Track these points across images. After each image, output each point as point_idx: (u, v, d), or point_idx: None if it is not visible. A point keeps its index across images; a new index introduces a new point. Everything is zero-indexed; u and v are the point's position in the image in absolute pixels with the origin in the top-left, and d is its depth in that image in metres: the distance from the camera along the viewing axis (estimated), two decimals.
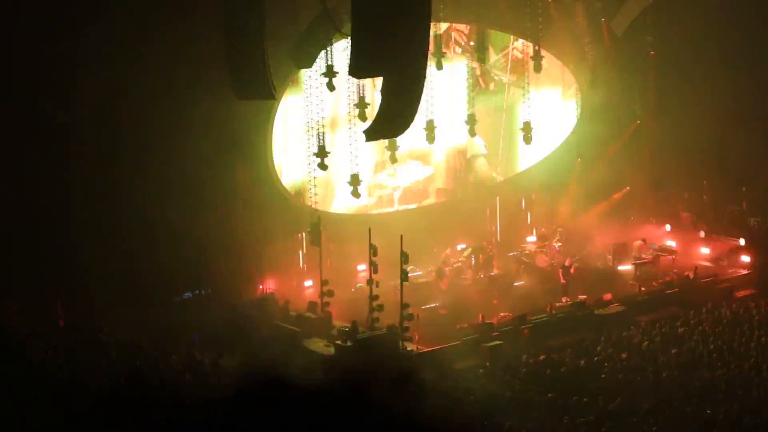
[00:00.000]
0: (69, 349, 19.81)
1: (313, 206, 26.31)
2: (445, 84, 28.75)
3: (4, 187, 22.30)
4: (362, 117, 25.09)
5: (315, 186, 26.14)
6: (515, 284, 27.61)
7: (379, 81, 20.49)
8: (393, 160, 27.57)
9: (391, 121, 18.69)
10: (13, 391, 16.23)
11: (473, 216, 30.71)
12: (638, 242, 28.40)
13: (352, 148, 25.73)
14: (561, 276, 26.61)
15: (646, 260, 27.97)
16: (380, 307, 22.93)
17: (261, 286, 26.41)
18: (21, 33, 21.68)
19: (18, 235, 21.99)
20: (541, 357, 21.65)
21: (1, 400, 15.72)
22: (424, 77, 18.26)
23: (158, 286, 23.52)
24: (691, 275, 27.46)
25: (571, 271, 26.73)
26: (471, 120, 27.53)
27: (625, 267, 28.49)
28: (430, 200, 30.77)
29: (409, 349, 22.56)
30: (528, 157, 31.36)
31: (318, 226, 25.36)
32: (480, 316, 24.20)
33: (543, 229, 30.12)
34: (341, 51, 24.33)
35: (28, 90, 22.10)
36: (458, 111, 28.72)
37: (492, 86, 30.59)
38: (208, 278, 25.14)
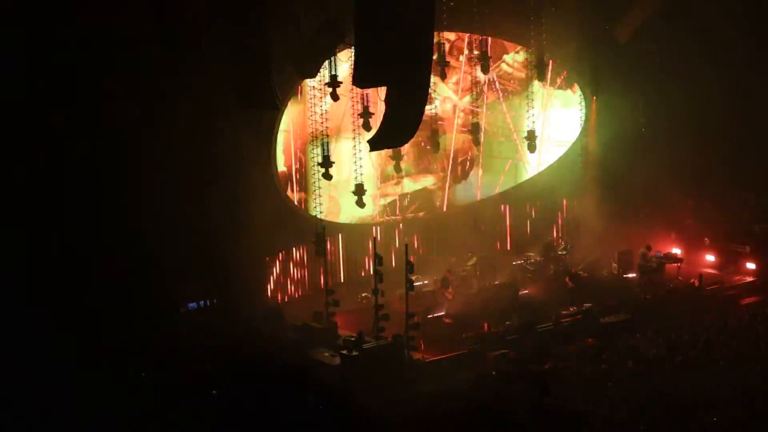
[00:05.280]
0: None
1: (318, 216, 26.33)
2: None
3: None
4: (366, 127, 25.14)
5: (320, 196, 26.17)
6: (521, 293, 27.61)
7: (383, 91, 20.50)
8: (398, 170, 27.64)
9: (395, 130, 18.73)
10: None
11: (479, 224, 30.74)
12: (643, 250, 28.37)
13: (356, 158, 25.78)
14: (570, 284, 26.64)
15: (651, 268, 27.94)
16: (386, 317, 22.96)
17: (266, 297, 26.42)
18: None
19: (18, 245, 21.66)
20: (547, 366, 21.63)
21: None
22: (428, 87, 18.28)
23: (163, 296, 23.45)
24: (697, 283, 27.44)
25: (577, 279, 26.78)
26: (475, 129, 27.57)
27: (631, 275, 28.46)
28: (435, 209, 30.77)
29: (415, 358, 22.58)
30: (533, 166, 31.35)
31: (323, 236, 25.37)
32: (485, 324, 24.21)
33: (549, 238, 30.08)
34: (345, 61, 24.37)
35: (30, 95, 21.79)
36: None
37: (497, 94, 30.63)
38: (214, 289, 25.07)
